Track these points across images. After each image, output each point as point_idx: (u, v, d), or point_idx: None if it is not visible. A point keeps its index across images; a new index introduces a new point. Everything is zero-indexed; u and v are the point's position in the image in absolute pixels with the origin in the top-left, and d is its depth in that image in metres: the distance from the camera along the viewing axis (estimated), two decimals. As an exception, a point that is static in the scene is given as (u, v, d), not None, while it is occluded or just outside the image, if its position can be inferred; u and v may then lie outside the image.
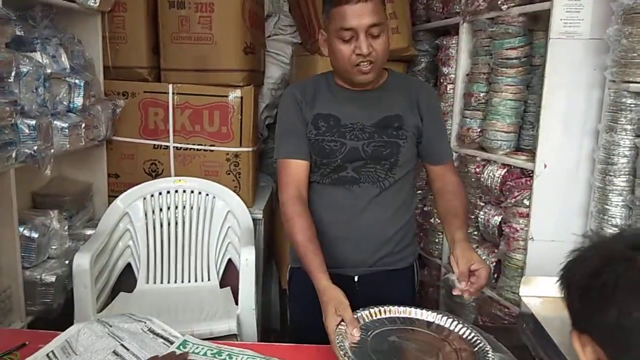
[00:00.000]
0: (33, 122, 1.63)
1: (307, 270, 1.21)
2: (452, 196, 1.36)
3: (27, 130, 1.62)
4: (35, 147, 1.64)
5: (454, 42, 2.16)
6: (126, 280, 2.15)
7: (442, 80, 2.25)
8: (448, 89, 2.22)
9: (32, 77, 1.63)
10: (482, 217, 1.99)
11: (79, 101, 1.93)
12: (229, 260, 2.22)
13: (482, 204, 2.02)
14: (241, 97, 2.25)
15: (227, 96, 2.25)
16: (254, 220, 2.22)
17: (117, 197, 2.19)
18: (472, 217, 2.05)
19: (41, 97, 1.69)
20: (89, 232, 2.16)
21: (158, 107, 2.27)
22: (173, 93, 2.25)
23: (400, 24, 2.21)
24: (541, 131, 1.72)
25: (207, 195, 2.25)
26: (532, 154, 1.82)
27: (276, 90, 2.78)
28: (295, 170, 1.33)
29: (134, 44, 2.22)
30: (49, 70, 1.74)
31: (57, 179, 2.27)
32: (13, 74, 1.51)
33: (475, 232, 2.07)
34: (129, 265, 2.17)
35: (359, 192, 1.33)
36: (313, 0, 2.28)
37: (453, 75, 2.19)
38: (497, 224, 1.92)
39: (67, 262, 1.87)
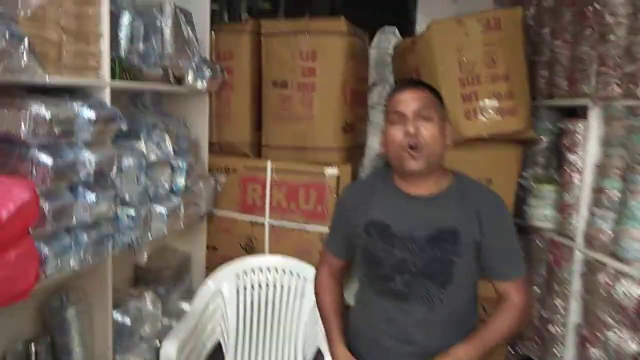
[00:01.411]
0: (133, 211, 1.69)
1: (327, 337, 1.47)
2: (507, 314, 1.32)
3: (126, 220, 1.67)
4: (133, 236, 1.69)
5: (581, 126, 1.88)
6: (215, 357, 2.13)
7: (566, 168, 1.96)
8: (573, 179, 1.92)
9: (135, 168, 1.69)
10: (613, 339, 1.66)
11: (181, 182, 1.98)
12: (318, 349, 2.10)
13: (612, 323, 1.68)
14: (338, 177, 2.17)
15: (323, 175, 2.18)
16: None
17: (214, 269, 2.20)
18: (599, 334, 1.72)
19: (142, 184, 1.75)
20: (184, 305, 2.19)
21: (256, 184, 2.26)
22: (271, 170, 2.23)
23: (517, 104, 1.97)
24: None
25: (299, 276, 2.17)
26: (681, 274, 1.48)
27: (377, 161, 2.65)
28: (331, 262, 1.53)
29: (238, 121, 2.26)
30: (152, 158, 1.80)
31: (160, 250, 2.35)
32: (115, 169, 1.57)
33: (603, 355, 1.73)
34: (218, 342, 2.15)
35: (407, 308, 1.31)
36: (417, 73, 2.15)
37: (580, 164, 1.89)
38: (633, 353, 1.58)
39: (158, 341, 1.90)
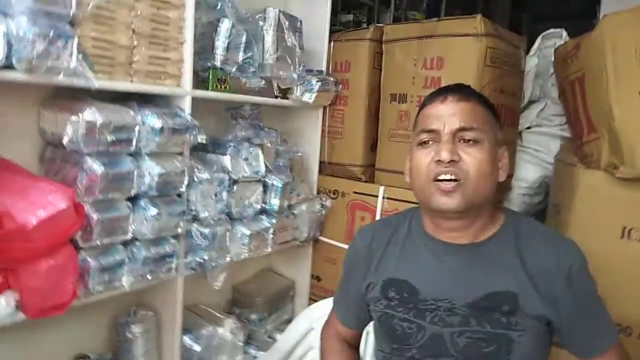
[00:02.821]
0: (207, 230, 1.56)
1: None
2: None
3: (199, 239, 1.55)
4: (205, 256, 1.56)
5: None
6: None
7: None
8: None
9: (213, 184, 1.56)
10: None
11: (274, 203, 1.81)
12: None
13: None
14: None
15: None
16: None
17: (319, 301, 1.98)
18: None
19: (223, 202, 1.61)
20: (278, 337, 2.00)
21: (365, 211, 1.96)
22: (383, 197, 1.92)
23: None
24: None
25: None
26: None
27: (531, 196, 2.12)
28: (340, 330, 1.15)
29: (350, 140, 2.00)
30: (239, 174, 1.66)
31: (264, 272, 2.22)
32: (185, 184, 1.45)
33: None
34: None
35: None
36: (580, 85, 1.62)
37: None
38: None
39: (234, 375, 1.74)
